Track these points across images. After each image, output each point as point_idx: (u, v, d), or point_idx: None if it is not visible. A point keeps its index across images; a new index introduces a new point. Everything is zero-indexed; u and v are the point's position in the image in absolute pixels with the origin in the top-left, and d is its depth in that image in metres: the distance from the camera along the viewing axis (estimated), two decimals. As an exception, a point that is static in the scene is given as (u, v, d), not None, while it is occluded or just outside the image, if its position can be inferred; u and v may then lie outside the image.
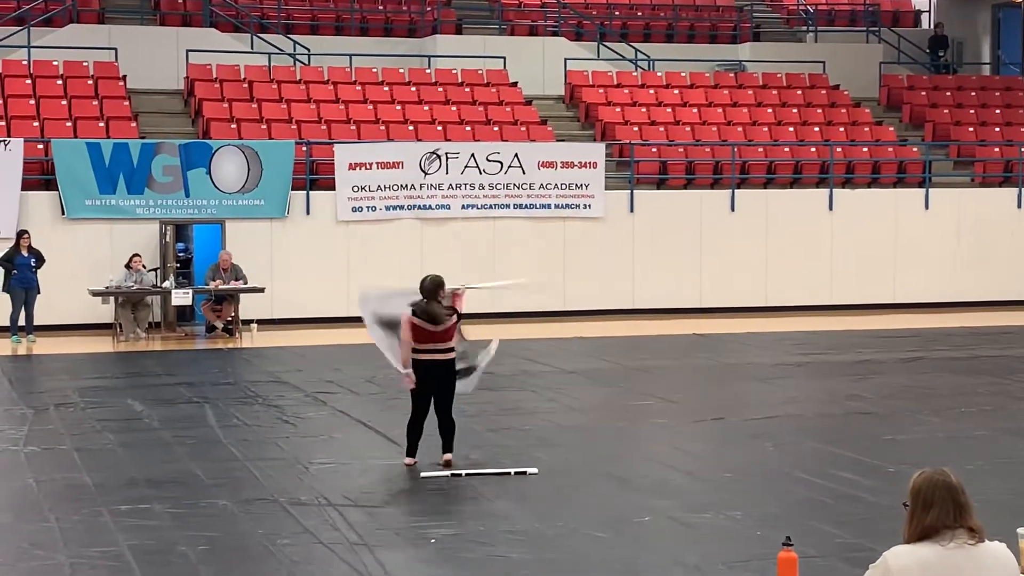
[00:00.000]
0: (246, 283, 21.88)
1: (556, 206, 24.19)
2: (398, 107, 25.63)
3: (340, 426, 13.98)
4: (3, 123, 23.16)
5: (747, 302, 24.89)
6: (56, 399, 15.63)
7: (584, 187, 24.27)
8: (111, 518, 10.03)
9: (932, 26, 33.03)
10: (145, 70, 25.65)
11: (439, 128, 25.09)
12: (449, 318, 11.72)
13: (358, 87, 26.11)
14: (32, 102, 23.94)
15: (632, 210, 24.64)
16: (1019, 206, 26.31)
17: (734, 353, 20.00)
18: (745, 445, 12.92)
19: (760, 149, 26.39)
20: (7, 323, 20.99)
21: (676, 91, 27.95)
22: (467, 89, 26.67)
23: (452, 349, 11.77)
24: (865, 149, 26.90)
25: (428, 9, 29.58)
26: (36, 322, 21.03)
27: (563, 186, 24.20)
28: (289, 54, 27.09)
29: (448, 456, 11.82)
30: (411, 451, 11.86)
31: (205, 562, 8.92)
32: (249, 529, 9.75)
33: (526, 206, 24.13)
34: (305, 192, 23.22)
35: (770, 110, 27.79)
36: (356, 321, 22.59)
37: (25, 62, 24.99)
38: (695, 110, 27.36)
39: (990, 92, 30.04)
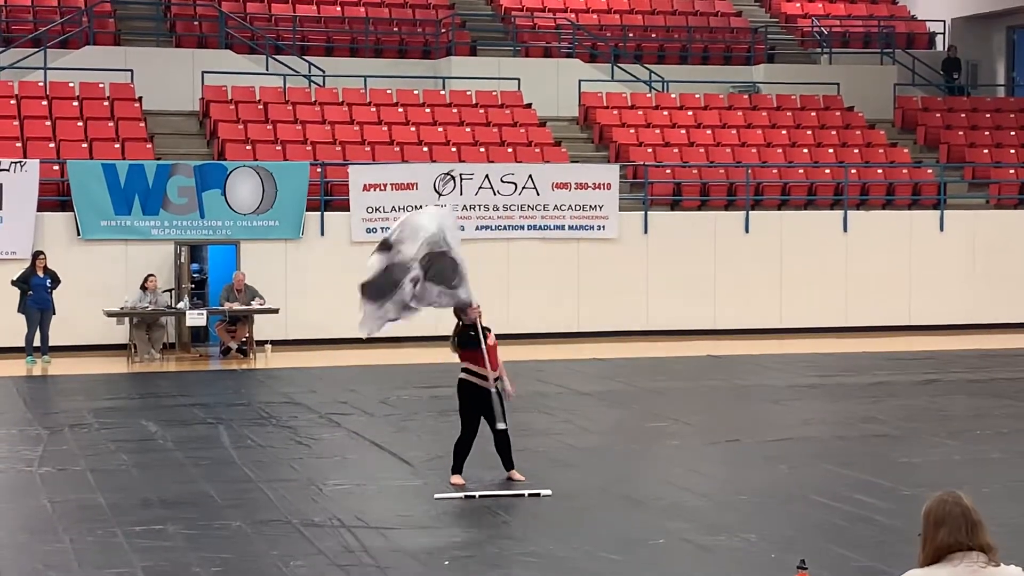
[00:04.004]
0: (263, 303, 21.90)
1: (570, 227, 24.20)
2: (412, 128, 25.68)
3: (354, 447, 13.98)
4: (19, 144, 23.26)
5: (762, 324, 24.85)
6: (71, 420, 15.65)
7: (598, 208, 24.27)
8: (125, 539, 10.03)
9: (946, 48, 33.02)
10: (161, 91, 25.74)
11: (453, 149, 25.13)
12: (454, 346, 11.96)
13: (373, 109, 26.17)
14: (48, 123, 24.04)
15: (646, 231, 24.64)
16: (1034, 228, 26.25)
17: (749, 375, 19.96)
18: (760, 467, 12.88)
19: (774, 171, 26.38)
20: (23, 343, 21.04)
21: (690, 113, 27.97)
22: (481, 111, 26.72)
23: (497, 378, 11.90)
24: (880, 171, 26.87)
25: (443, 31, 29.65)
26: (51, 343, 21.07)
27: (577, 207, 24.21)
28: (304, 76, 27.17)
29: (513, 472, 11.98)
30: (457, 469, 11.95)
31: (219, 583, 8.92)
32: (263, 551, 9.75)
33: (540, 227, 24.15)
34: (320, 213, 23.27)
35: (784, 132, 27.78)
36: (370, 342, 22.74)
37: (41, 84, 25.11)
38: (709, 132, 27.36)
39: (1005, 114, 30.01)
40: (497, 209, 23.89)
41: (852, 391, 18.11)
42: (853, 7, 34.43)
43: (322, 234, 23.27)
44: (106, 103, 24.84)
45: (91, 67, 25.45)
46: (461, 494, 11.53)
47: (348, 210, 23.34)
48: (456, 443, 12.04)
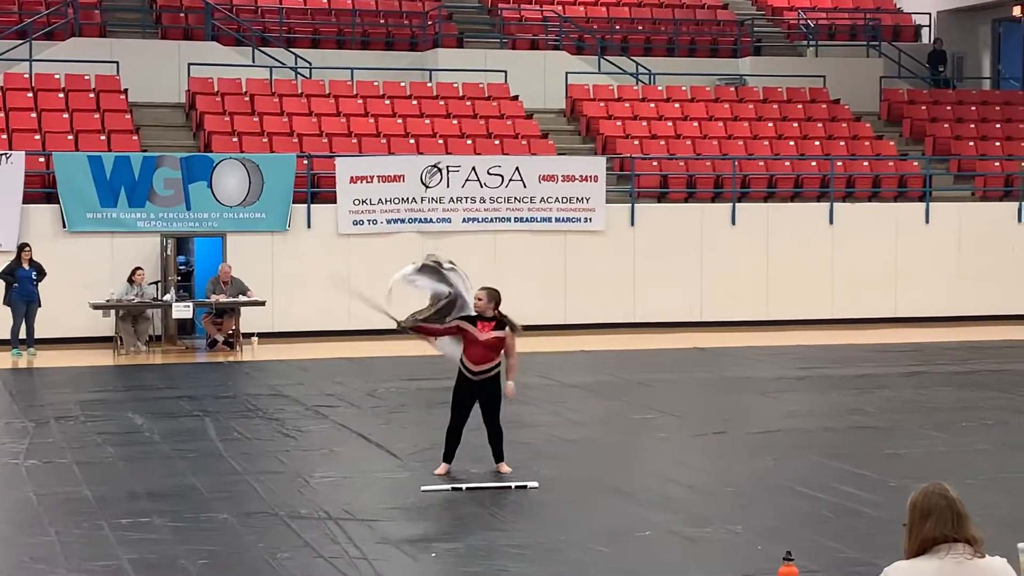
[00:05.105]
0: (248, 295, 21.87)
1: (557, 220, 24.21)
2: (399, 120, 25.66)
3: (341, 440, 13.98)
4: (5, 136, 23.19)
5: (748, 316, 24.89)
6: (57, 412, 15.62)
7: (585, 201, 24.29)
8: (111, 532, 10.02)
9: (932, 41, 33.08)
10: (147, 83, 25.69)
11: (440, 141, 25.11)
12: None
13: (359, 100, 26.14)
14: (34, 115, 23.97)
15: (633, 224, 24.66)
16: (1019, 220, 26.32)
17: (735, 367, 19.99)
18: (747, 459, 12.91)
19: (761, 163, 26.41)
20: (8, 336, 20.99)
21: (677, 105, 27.99)
22: (468, 103, 26.70)
23: (484, 371, 11.84)
24: (866, 163, 26.92)
25: (429, 23, 29.62)
26: (37, 335, 21.03)
27: (564, 200, 24.21)
28: (291, 67, 27.13)
29: (501, 465, 12.00)
30: (444, 457, 11.96)
31: (205, 575, 8.92)
32: (249, 543, 9.74)
33: (527, 220, 24.15)
34: (306, 205, 23.24)
35: (771, 124, 27.82)
36: (357, 334, 22.75)
37: (27, 75, 25.03)
38: (696, 124, 27.38)
39: (990, 106, 30.08)
40: (484, 201, 23.89)
41: (838, 383, 18.15)
42: (839, 0, 34.46)
43: (309, 226, 23.24)
44: (92, 95, 24.77)
45: (77, 59, 25.38)
46: (448, 486, 11.53)
47: (335, 202, 23.32)
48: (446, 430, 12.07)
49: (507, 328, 11.79)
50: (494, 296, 11.85)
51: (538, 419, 15.08)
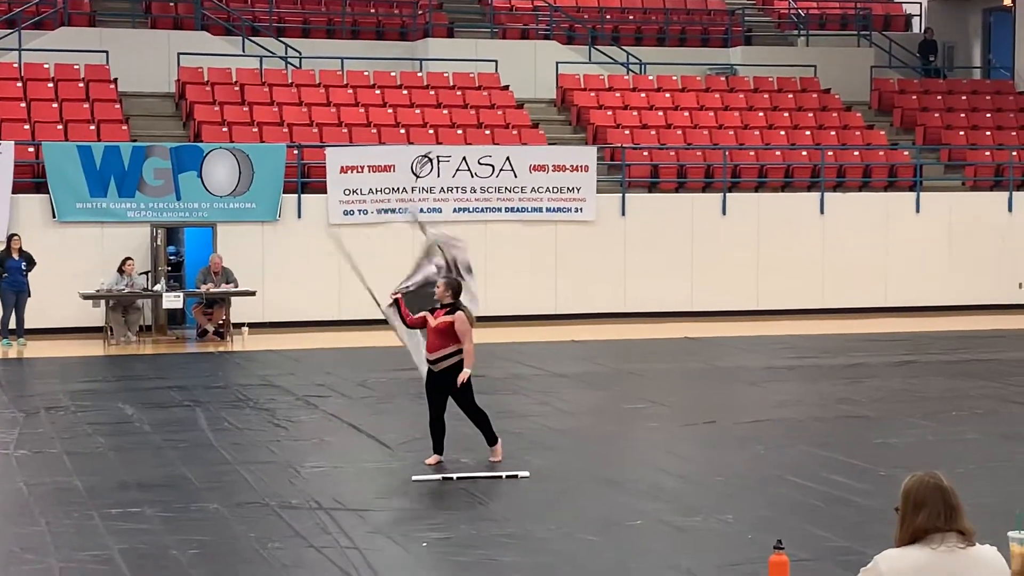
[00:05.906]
0: (237, 286, 21.86)
1: (548, 209, 24.20)
2: (389, 110, 25.62)
3: (331, 430, 13.98)
4: (-6, 126, 23.13)
5: (738, 306, 24.91)
6: (47, 403, 15.60)
7: (576, 190, 24.28)
8: (102, 522, 10.01)
9: (923, 30, 33.09)
10: (136, 73, 25.62)
11: (430, 131, 25.08)
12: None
13: (349, 90, 26.10)
14: (23, 105, 23.90)
15: (623, 213, 24.66)
16: (1010, 210, 26.36)
17: (725, 357, 20.01)
18: (737, 448, 12.93)
19: (751, 153, 26.42)
20: (-2, 326, 20.97)
21: (667, 95, 27.97)
22: (459, 92, 26.67)
23: (439, 359, 11.87)
24: (856, 153, 26.94)
25: (420, 12, 29.57)
26: (27, 325, 20.99)
27: (555, 189, 24.20)
28: (281, 57, 27.07)
29: (495, 449, 12.07)
30: (435, 449, 12.03)
31: (196, 566, 8.90)
32: (240, 533, 9.74)
33: (518, 209, 24.14)
34: (296, 195, 23.21)
35: (761, 114, 27.81)
36: (347, 324, 22.75)
37: (16, 65, 24.96)
38: (686, 114, 27.37)
39: (981, 96, 30.10)
40: (475, 191, 23.87)
41: (828, 372, 18.18)
42: (830, -11, 34.47)
43: (299, 216, 23.22)
44: (81, 84, 24.71)
45: (66, 48, 25.30)
46: (439, 476, 11.54)
47: (325, 192, 23.29)
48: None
49: (457, 312, 11.82)
50: (451, 285, 12.01)
51: (529, 409, 15.08)
